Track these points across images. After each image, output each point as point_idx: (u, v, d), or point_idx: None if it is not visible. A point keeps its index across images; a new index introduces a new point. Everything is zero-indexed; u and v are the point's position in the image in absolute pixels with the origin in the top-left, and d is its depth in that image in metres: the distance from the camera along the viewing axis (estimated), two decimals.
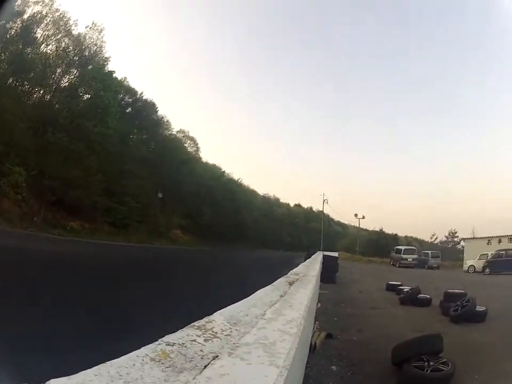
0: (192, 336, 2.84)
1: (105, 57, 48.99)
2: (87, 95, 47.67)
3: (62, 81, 45.68)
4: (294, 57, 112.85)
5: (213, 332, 2.99)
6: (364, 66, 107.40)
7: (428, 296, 17.48)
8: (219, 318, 3.31)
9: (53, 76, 44.28)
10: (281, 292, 4.97)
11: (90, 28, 46.45)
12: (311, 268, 12.63)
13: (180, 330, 2.88)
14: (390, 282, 23.66)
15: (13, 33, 39.48)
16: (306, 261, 18.30)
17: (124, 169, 45.03)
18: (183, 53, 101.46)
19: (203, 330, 2.96)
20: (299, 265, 17.68)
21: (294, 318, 3.64)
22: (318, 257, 24.65)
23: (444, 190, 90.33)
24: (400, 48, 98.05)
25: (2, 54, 39.01)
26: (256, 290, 4.87)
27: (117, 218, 43.58)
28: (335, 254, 36.55)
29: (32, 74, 40.47)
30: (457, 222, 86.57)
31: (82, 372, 1.94)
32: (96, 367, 2.02)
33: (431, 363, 7.53)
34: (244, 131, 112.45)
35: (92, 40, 46.84)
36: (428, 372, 7.38)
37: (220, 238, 61.34)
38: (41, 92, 43.75)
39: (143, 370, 2.14)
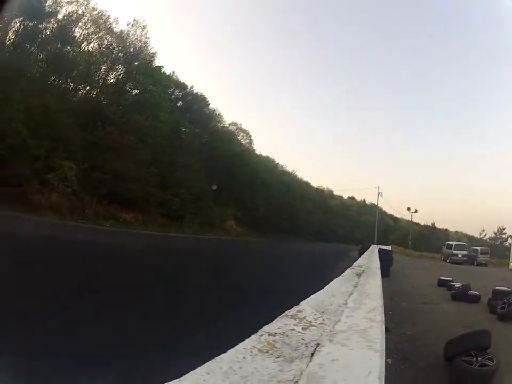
0: (289, 325, 2.94)
1: (152, 53, 49.39)
2: (136, 90, 47.98)
3: (108, 78, 46.35)
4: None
5: (307, 320, 3.09)
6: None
7: (477, 293, 17.30)
8: (307, 308, 3.41)
9: (98, 72, 44.91)
10: (353, 283, 5.22)
11: (132, 25, 46.83)
12: (372, 260, 12.91)
13: (276, 320, 2.98)
14: (441, 278, 23.36)
15: (48, 33, 39.92)
16: (365, 253, 18.33)
17: (177, 161, 45.50)
18: (230, 44, 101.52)
19: (297, 320, 3.06)
20: (359, 258, 17.99)
21: (375, 306, 3.81)
22: (374, 250, 24.95)
23: (496, 185, 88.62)
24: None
25: (40, 54, 39.56)
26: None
27: (171, 209, 43.84)
28: (389, 248, 36.36)
29: (75, 72, 40.95)
30: (507, 218, 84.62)
31: (192, 371, 1.95)
32: (205, 364, 2.03)
33: (479, 358, 7.65)
34: (297, 122, 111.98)
35: (136, 37, 47.25)
36: (476, 366, 7.51)
37: (273, 229, 61.60)
38: (87, 88, 44.35)
39: (255, 363, 2.20)
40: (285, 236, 63.44)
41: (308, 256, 40.10)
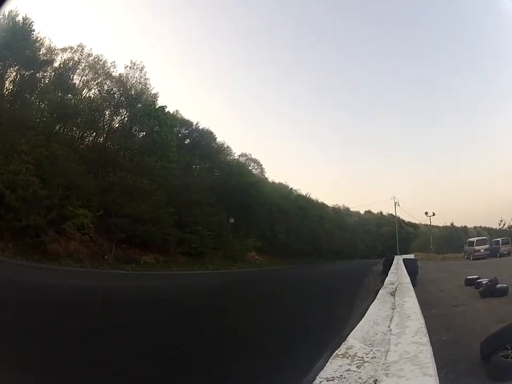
0: (344, 366, 2.95)
1: (153, 94, 49.79)
2: (142, 133, 48.77)
3: (113, 123, 46.78)
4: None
5: (359, 357, 3.10)
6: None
7: (505, 285, 17.22)
8: (355, 342, 3.48)
9: (102, 118, 45.45)
10: (390, 305, 5.33)
11: (130, 67, 47.25)
12: (401, 274, 12.91)
13: (329, 362, 2.98)
14: (468, 277, 23.18)
15: (47, 81, 40.60)
16: (392, 267, 18.33)
17: (193, 199, 45.44)
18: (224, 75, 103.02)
19: (350, 358, 3.08)
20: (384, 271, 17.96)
21: (418, 328, 3.88)
22: (399, 262, 25.28)
23: (507, 172, 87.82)
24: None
25: (41, 103, 39.97)
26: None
27: (191, 247, 43.72)
28: (412, 256, 36.04)
29: (79, 119, 41.44)
30: None
31: None
32: None
33: None
34: (301, 144, 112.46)
35: (135, 79, 47.61)
36: None
37: (295, 254, 61.37)
38: (94, 134, 44.88)
39: None
40: (307, 260, 63.44)
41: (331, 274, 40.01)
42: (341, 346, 3.34)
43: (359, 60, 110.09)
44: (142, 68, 47.57)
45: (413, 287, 21.88)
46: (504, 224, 68.18)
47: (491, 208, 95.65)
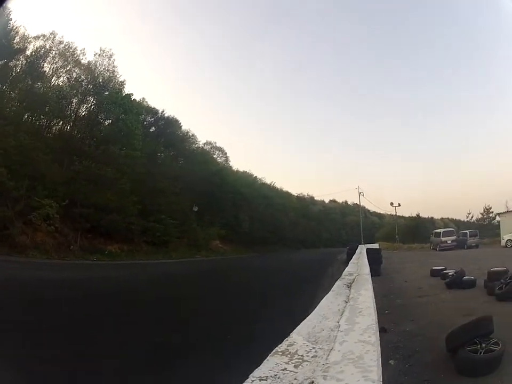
0: (281, 364, 2.81)
1: (120, 81, 49.50)
2: (108, 121, 48.33)
3: (80, 111, 46.32)
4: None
5: (299, 355, 2.95)
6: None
7: (472, 278, 17.27)
8: (298, 339, 3.30)
9: (70, 106, 44.91)
10: (344, 297, 5.07)
11: (99, 55, 46.76)
12: (361, 265, 12.68)
13: (266, 360, 2.85)
14: (434, 268, 23.25)
15: (18, 70, 40.28)
16: (353, 257, 18.25)
17: (157, 187, 45.39)
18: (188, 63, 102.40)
19: (289, 356, 2.93)
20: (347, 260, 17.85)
21: (369, 325, 3.63)
22: (362, 252, 24.81)
23: (475, 166, 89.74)
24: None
25: (12, 92, 39.62)
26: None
27: (155, 236, 43.78)
28: (377, 246, 36.32)
29: (47, 108, 40.88)
30: (491, 197, 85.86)
31: None
32: None
33: (483, 345, 7.61)
34: (267, 133, 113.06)
35: (104, 67, 47.18)
36: (482, 354, 7.47)
37: (259, 243, 62.30)
38: (61, 123, 44.42)
39: None
40: (271, 248, 64.38)
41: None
42: (282, 342, 3.22)
43: (327, 46, 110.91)
44: (110, 56, 47.21)
45: (377, 276, 22.40)
46: (472, 217, 69.64)
47: (459, 201, 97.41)
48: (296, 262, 44.52)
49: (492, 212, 65.66)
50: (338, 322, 3.79)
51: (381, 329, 10.10)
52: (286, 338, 3.24)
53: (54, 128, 44.08)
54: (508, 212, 50.87)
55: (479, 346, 7.61)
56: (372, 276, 21.35)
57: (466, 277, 17.42)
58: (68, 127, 45.04)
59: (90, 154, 39.83)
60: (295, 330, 3.52)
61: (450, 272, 19.53)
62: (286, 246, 71.19)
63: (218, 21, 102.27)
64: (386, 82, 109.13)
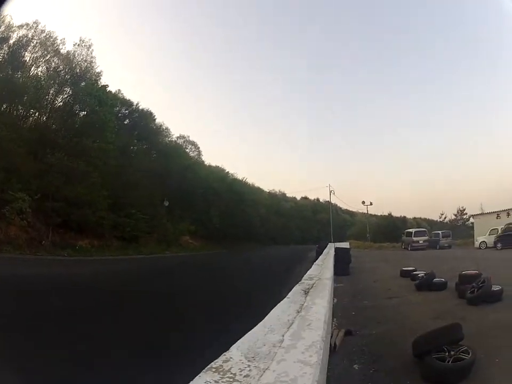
0: (210, 383, 2.61)
1: (97, 72, 48.92)
2: (83, 112, 47.63)
3: (56, 101, 45.68)
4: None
5: (232, 373, 2.76)
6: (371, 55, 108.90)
7: (443, 280, 17.12)
8: (236, 354, 3.11)
9: (47, 97, 44.26)
10: (297, 307, 4.81)
11: (78, 44, 46.26)
12: (325, 267, 12.35)
13: (198, 376, 2.68)
14: (403, 268, 23.07)
15: (0, 59, 39.65)
16: (319, 258, 17.98)
17: (128, 181, 45.01)
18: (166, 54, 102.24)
19: (221, 373, 2.74)
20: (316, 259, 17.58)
21: (313, 342, 3.43)
22: (330, 252, 24.32)
23: (449, 168, 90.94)
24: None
25: None
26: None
27: (125, 231, 43.59)
28: (347, 245, 36.42)
29: (25, 97, 40.38)
30: (465, 199, 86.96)
31: None
32: None
33: (452, 352, 7.36)
34: (240, 128, 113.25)
35: (82, 57, 46.61)
36: (450, 362, 7.20)
37: (229, 239, 62.02)
38: (37, 114, 43.86)
39: None
40: (242, 244, 63.85)
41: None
42: (219, 357, 3.02)
43: (297, 42, 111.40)
44: (89, 46, 46.72)
45: (346, 276, 22.54)
46: (445, 218, 70.51)
47: (432, 201, 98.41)
48: (265, 259, 44.67)
49: (466, 214, 66.54)
50: (283, 336, 3.61)
51: (347, 332, 10.26)
52: (224, 353, 3.10)
53: (30, 119, 43.60)
54: (482, 214, 51.50)
55: (447, 354, 7.39)
56: (340, 275, 21.71)
57: (436, 279, 17.36)
58: (44, 118, 44.44)
59: (63, 146, 39.39)
60: (235, 344, 3.36)
61: (421, 273, 19.57)
62: (257, 242, 70.95)
63: (191, 13, 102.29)
64: (359, 81, 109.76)
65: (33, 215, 34.22)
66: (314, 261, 16.84)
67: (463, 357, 7.21)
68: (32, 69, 43.17)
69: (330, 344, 8.26)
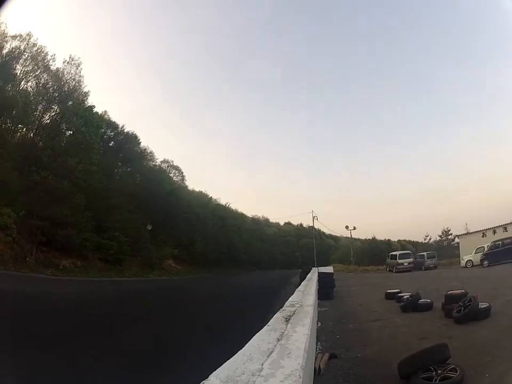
0: None
1: (85, 92, 49.52)
2: (69, 132, 47.72)
3: (44, 118, 45.71)
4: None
5: None
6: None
7: (429, 300, 17.24)
8: (215, 382, 3.03)
9: (35, 113, 44.26)
10: (278, 334, 4.67)
11: (68, 62, 46.69)
12: (307, 292, 12.19)
13: None
14: (388, 291, 23.18)
15: None
16: (302, 284, 17.88)
17: (112, 204, 44.97)
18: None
19: None
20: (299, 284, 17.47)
21: (293, 370, 3.35)
22: (313, 277, 24.02)
23: (432, 189, 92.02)
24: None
25: None
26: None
27: (108, 253, 43.18)
28: (330, 269, 36.46)
29: (14, 112, 40.32)
30: (448, 220, 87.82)
31: None
32: None
33: (439, 371, 7.42)
34: (224, 155, 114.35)
35: (70, 75, 47.10)
36: (437, 381, 7.25)
37: (213, 264, 62.43)
38: (24, 130, 43.79)
39: None
40: (225, 269, 64.25)
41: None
42: None
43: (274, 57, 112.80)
44: (78, 64, 47.21)
45: (330, 300, 22.52)
46: (430, 239, 70.80)
47: (416, 223, 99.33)
48: (248, 283, 45.10)
49: (451, 234, 66.93)
50: (262, 365, 3.51)
51: (331, 355, 10.23)
52: (203, 381, 3.01)
53: (18, 134, 43.49)
54: (467, 233, 51.85)
55: (434, 373, 7.42)
56: (324, 299, 21.79)
57: (422, 299, 17.41)
58: (31, 134, 44.41)
59: (48, 165, 39.06)
60: (214, 372, 3.28)
61: (406, 295, 19.51)
62: (240, 267, 71.22)
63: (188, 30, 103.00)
64: (338, 103, 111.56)
65: (18, 231, 33.71)
66: (298, 286, 16.74)
67: (451, 375, 7.22)
68: (22, 83, 43.29)
69: (314, 368, 8.32)
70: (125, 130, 59.90)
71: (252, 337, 4.42)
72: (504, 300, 15.77)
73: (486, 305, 13.37)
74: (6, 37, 40.83)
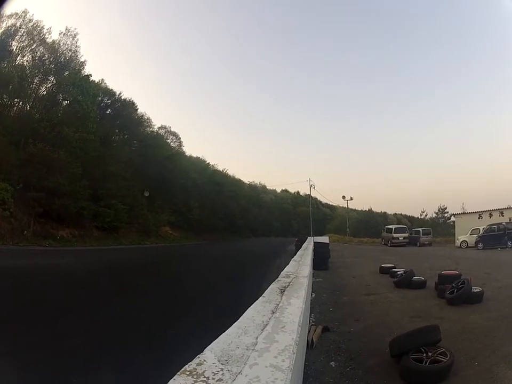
0: None
1: (81, 62, 49.13)
2: (66, 102, 47.66)
3: (40, 90, 45.65)
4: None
5: (205, 377, 2.68)
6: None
7: (423, 278, 17.20)
8: (210, 357, 3.04)
9: (31, 85, 44.10)
10: (272, 307, 4.70)
11: (64, 34, 46.25)
12: (303, 263, 12.15)
13: (173, 379, 2.60)
14: (383, 265, 23.11)
15: None
16: (297, 254, 17.85)
17: (108, 172, 45.09)
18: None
19: (195, 377, 2.66)
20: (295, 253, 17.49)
21: (286, 346, 3.36)
22: (308, 247, 23.95)
23: (431, 166, 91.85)
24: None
25: None
26: None
27: (105, 221, 43.64)
28: (326, 240, 36.37)
29: (10, 87, 40.25)
30: (446, 198, 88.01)
31: None
32: None
33: (430, 354, 7.35)
34: (222, 121, 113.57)
35: (67, 46, 46.66)
36: (427, 364, 7.17)
37: (209, 230, 62.94)
38: (21, 103, 43.71)
39: None
40: (221, 236, 65.35)
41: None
42: (193, 360, 2.94)
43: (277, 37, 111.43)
44: (74, 35, 46.83)
45: (325, 270, 22.47)
46: (426, 215, 71.15)
47: (413, 197, 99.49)
48: (245, 251, 45.09)
49: (447, 212, 67.22)
50: (256, 338, 3.53)
51: (324, 328, 10.24)
52: (198, 355, 3.01)
53: (14, 108, 43.52)
54: (464, 213, 52.08)
55: (424, 355, 7.34)
56: (318, 269, 21.76)
57: (416, 277, 17.41)
58: (28, 107, 44.52)
59: (45, 136, 39.17)
60: (209, 346, 3.27)
61: (400, 271, 19.50)
62: (236, 234, 72.06)
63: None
64: (339, 74, 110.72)
65: (15, 205, 33.99)
66: (293, 255, 16.72)
67: (441, 359, 7.20)
68: (18, 58, 43.08)
69: (307, 341, 8.42)
70: (122, 97, 59.55)
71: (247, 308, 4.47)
72: (496, 285, 15.71)
73: (479, 290, 13.34)
74: (3, 16, 40.34)
